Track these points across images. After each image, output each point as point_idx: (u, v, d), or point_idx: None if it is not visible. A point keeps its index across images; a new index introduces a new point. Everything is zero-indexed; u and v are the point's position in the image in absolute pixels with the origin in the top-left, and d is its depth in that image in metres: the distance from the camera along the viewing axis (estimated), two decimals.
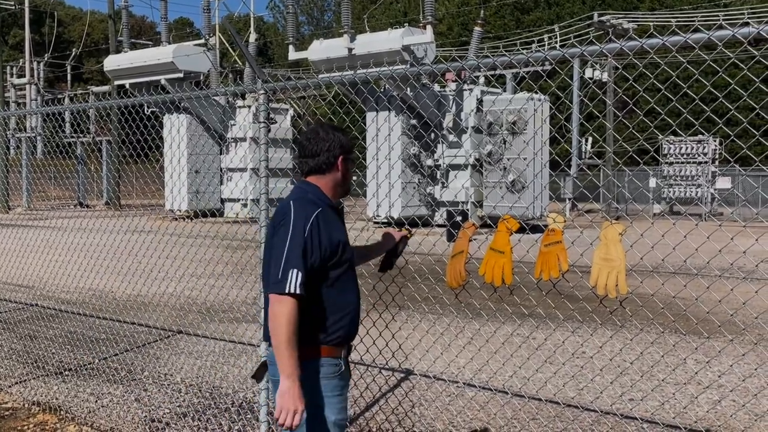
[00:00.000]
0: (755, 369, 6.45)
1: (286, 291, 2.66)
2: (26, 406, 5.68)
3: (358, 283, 3.04)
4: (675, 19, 33.14)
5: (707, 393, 5.90)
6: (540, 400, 5.20)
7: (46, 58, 44.20)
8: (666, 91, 3.53)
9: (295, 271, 2.68)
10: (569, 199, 29.62)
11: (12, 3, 41.15)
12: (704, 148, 30.31)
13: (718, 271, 10.52)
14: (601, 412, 5.17)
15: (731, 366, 6.51)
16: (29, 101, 40.18)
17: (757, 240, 3.65)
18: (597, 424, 5.17)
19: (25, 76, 41.96)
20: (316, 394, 2.78)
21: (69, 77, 48.18)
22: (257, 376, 3.10)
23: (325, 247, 2.78)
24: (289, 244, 2.72)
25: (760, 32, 2.71)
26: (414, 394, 5.72)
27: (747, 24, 2.83)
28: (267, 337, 2.91)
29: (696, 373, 6.46)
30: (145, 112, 26.97)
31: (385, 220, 22.58)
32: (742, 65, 3.14)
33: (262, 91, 4.13)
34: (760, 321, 7.05)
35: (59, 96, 42.71)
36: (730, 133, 3.77)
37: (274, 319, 2.67)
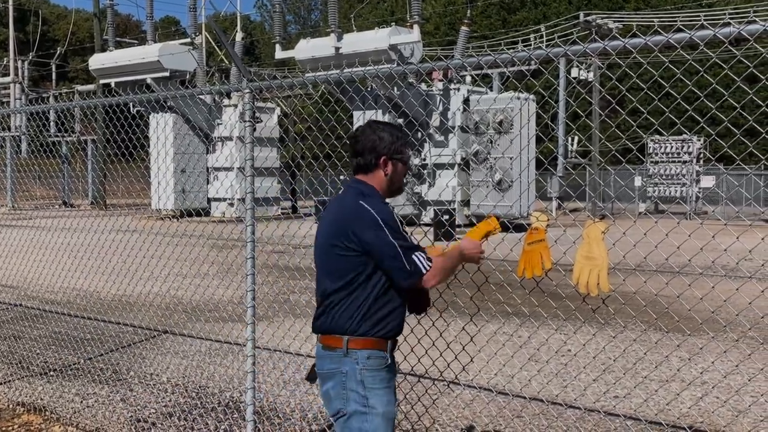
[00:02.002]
0: (737, 366, 6.52)
1: (424, 271, 2.81)
2: (11, 406, 5.65)
3: None
4: (658, 19, 33.38)
5: (690, 390, 5.97)
6: (524, 397, 5.24)
7: (30, 57, 43.81)
8: (650, 90, 3.57)
9: (417, 254, 2.82)
10: (555, 198, 29.75)
11: None
12: (688, 147, 30.55)
13: (700, 269, 10.61)
14: (585, 409, 5.22)
15: (713, 363, 6.59)
16: (13, 100, 39.83)
17: (738, 238, 3.70)
18: (581, 421, 5.22)
19: (9, 75, 41.58)
20: (362, 385, 2.82)
21: (54, 76, 47.82)
22: (310, 377, 3.10)
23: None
24: (391, 237, 2.80)
25: (741, 32, 2.75)
26: (399, 392, 5.74)
27: (728, 24, 2.87)
28: (317, 329, 2.95)
29: (679, 370, 6.53)
30: (131, 111, 26.82)
31: None
32: (723, 65, 3.18)
33: (247, 90, 4.14)
34: (742, 318, 7.13)
35: (44, 95, 42.37)
36: (712, 132, 3.82)
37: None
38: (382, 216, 2.82)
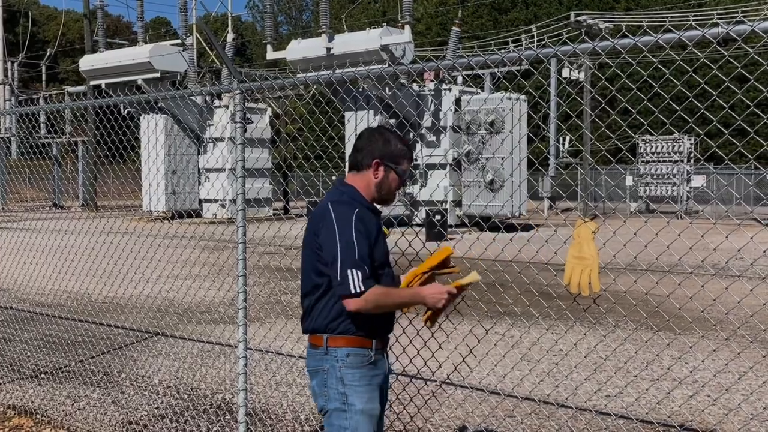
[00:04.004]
0: (727, 364, 6.56)
1: (351, 292, 2.75)
2: (2, 409, 5.62)
3: (397, 285, 3.11)
4: (648, 20, 33.51)
5: (681, 388, 5.99)
6: (516, 397, 5.26)
7: (20, 58, 43.60)
8: (640, 90, 3.59)
9: (353, 271, 2.76)
10: (546, 198, 29.83)
11: None
12: (679, 146, 30.69)
13: (690, 268, 10.67)
14: (577, 408, 5.23)
15: (704, 361, 6.62)
16: (3, 102, 39.63)
17: (727, 237, 3.72)
18: (573, 420, 5.24)
19: None
20: (341, 382, 2.85)
21: (44, 77, 47.62)
22: None
23: (368, 245, 2.84)
24: (340, 245, 2.79)
25: (729, 32, 2.77)
26: (391, 392, 5.75)
27: (717, 25, 2.89)
28: (304, 330, 3.01)
29: (669, 368, 6.56)
30: (122, 112, 26.73)
31: None
32: (712, 65, 3.20)
33: (238, 91, 4.13)
34: (731, 317, 7.17)
35: (34, 96, 42.16)
36: (701, 132, 3.84)
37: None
38: (340, 222, 2.82)
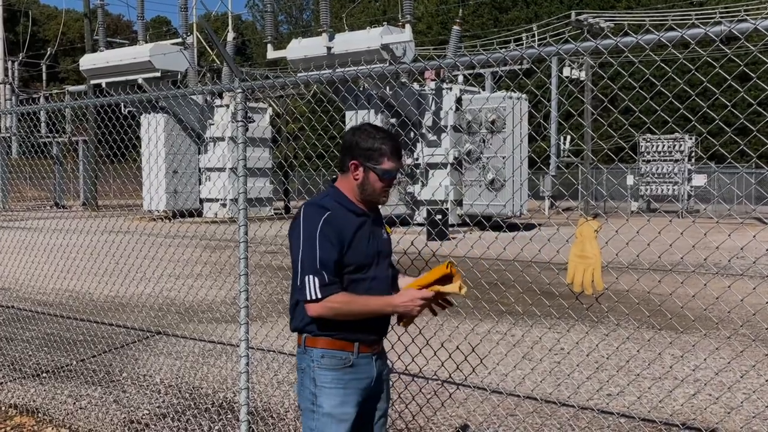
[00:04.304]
0: (729, 363, 6.55)
1: (308, 298, 2.73)
2: (3, 408, 5.63)
3: (395, 287, 3.04)
4: (650, 18, 33.48)
5: (683, 387, 5.99)
6: (518, 396, 5.25)
7: (20, 58, 43.60)
8: (642, 89, 3.58)
9: (311, 277, 2.73)
10: (548, 197, 29.82)
11: None
12: (680, 145, 30.67)
13: (692, 266, 10.67)
14: (579, 407, 5.23)
15: (706, 360, 6.61)
16: (4, 101, 39.64)
17: (729, 236, 3.71)
18: (575, 419, 5.23)
19: None
20: (314, 383, 2.83)
21: (44, 76, 47.61)
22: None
23: (336, 250, 2.75)
24: (302, 250, 2.76)
25: (732, 30, 2.76)
26: (393, 391, 5.74)
27: (719, 23, 2.88)
28: (291, 328, 3.00)
29: (671, 367, 6.55)
30: (122, 111, 26.74)
31: None
32: (714, 64, 3.19)
33: (239, 90, 4.13)
34: (734, 315, 7.16)
35: (34, 95, 42.18)
36: (704, 130, 3.84)
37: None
38: (306, 225, 2.78)
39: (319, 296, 2.72)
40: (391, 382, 3.17)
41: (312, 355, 2.85)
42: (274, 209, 30.33)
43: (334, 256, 2.74)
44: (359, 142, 2.85)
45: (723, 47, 3.69)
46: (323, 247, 2.73)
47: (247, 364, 4.18)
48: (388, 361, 3.11)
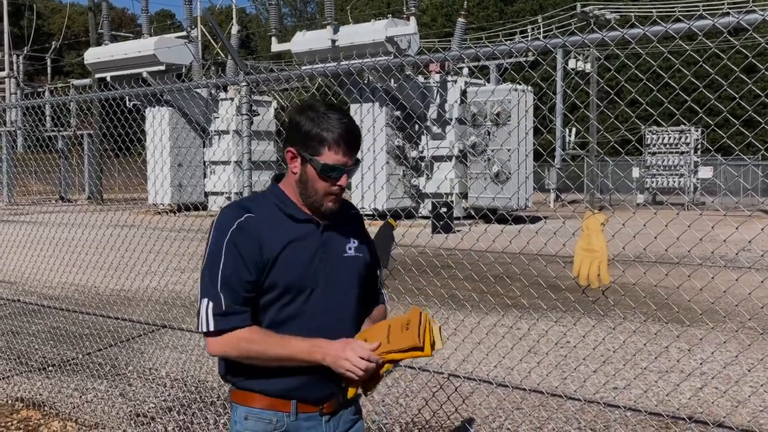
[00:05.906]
0: (736, 356, 6.52)
1: (200, 329, 2.09)
2: (9, 402, 5.64)
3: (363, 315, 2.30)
4: (657, 10, 33.30)
5: (689, 380, 5.97)
6: (524, 389, 5.24)
7: (25, 51, 43.66)
8: (648, 81, 3.55)
9: (206, 302, 2.07)
10: (553, 189, 29.74)
11: None
12: (686, 138, 30.55)
13: (699, 259, 10.61)
14: (585, 400, 5.21)
15: (713, 353, 6.59)
16: (8, 95, 39.73)
17: (737, 228, 3.68)
18: (581, 413, 5.22)
19: (4, 70, 41.46)
20: None
21: (49, 70, 47.65)
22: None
23: (249, 267, 2.08)
24: (204, 265, 2.12)
25: (740, 22, 2.73)
26: (399, 385, 5.74)
27: (727, 14, 2.85)
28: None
29: (678, 360, 6.53)
30: (127, 105, 26.69)
31: (371, 212, 22.60)
32: (722, 55, 3.16)
33: (244, 83, 4.11)
34: (741, 309, 7.12)
35: (39, 89, 42.24)
36: (710, 122, 3.81)
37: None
38: (216, 230, 2.13)
39: (211, 328, 2.04)
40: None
41: (237, 413, 2.18)
42: None
43: (245, 275, 2.05)
44: (300, 123, 2.12)
45: (730, 38, 3.67)
46: (228, 262, 2.05)
47: None
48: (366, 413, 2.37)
